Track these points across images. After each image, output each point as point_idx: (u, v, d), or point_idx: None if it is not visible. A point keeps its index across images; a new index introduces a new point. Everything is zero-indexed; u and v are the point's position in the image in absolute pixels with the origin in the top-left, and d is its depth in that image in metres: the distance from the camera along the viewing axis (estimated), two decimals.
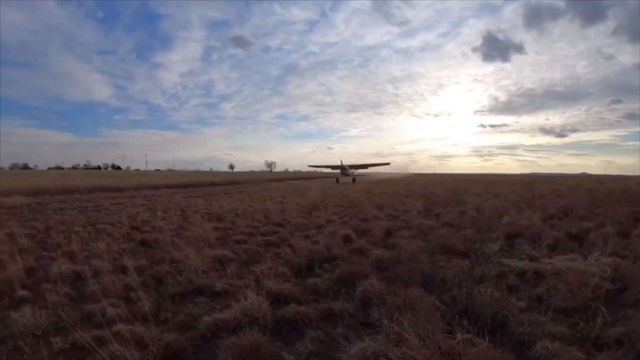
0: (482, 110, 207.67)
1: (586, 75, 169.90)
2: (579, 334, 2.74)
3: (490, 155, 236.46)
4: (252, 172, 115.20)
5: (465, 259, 4.66)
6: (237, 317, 2.99)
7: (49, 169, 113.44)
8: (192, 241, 5.75)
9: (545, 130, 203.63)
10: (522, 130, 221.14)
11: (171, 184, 26.64)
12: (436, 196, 15.66)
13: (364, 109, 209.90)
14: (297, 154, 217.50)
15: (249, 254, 5.44)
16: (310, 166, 45.71)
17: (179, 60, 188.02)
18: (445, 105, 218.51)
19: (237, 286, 3.83)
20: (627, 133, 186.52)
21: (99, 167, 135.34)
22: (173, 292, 3.81)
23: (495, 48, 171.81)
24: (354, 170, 39.61)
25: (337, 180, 37.39)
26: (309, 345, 2.69)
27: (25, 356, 2.54)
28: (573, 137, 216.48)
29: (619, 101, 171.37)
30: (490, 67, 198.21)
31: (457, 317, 2.64)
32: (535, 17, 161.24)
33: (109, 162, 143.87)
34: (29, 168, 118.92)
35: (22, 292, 3.74)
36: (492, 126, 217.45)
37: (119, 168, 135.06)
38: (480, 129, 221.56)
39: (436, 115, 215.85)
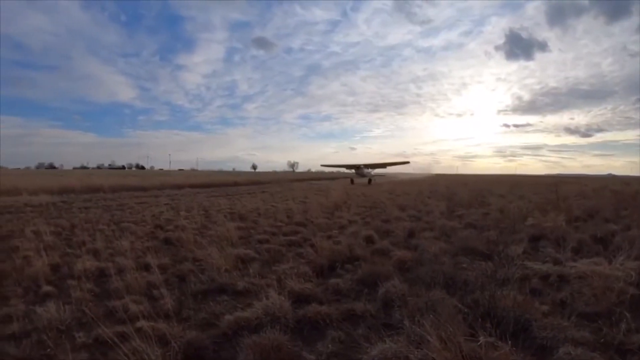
0: (505, 110, 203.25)
1: (611, 73, 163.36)
2: (602, 340, 2.66)
3: (513, 156, 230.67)
4: (275, 172, 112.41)
5: (488, 261, 4.59)
6: (258, 316, 3.00)
7: (74, 168, 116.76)
8: (214, 240, 5.77)
9: (570, 130, 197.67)
10: (546, 130, 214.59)
11: (194, 184, 26.92)
12: (459, 197, 15.25)
13: (387, 109, 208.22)
14: (320, 154, 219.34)
15: (271, 253, 5.41)
16: (322, 165, 44.30)
17: (201, 62, 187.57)
18: (468, 104, 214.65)
19: (259, 285, 3.82)
20: None
21: (123, 167, 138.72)
22: (195, 290, 3.81)
23: (519, 46, 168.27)
24: (370, 170, 34.81)
25: (352, 182, 33.87)
26: (329, 346, 2.67)
27: (49, 350, 2.55)
28: (598, 137, 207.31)
29: None
30: (513, 66, 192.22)
31: (479, 320, 2.61)
32: (559, 14, 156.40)
33: (133, 162, 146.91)
34: (54, 168, 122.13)
35: (47, 288, 3.80)
36: (515, 126, 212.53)
37: (142, 168, 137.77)
38: (504, 128, 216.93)
39: (459, 115, 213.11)
